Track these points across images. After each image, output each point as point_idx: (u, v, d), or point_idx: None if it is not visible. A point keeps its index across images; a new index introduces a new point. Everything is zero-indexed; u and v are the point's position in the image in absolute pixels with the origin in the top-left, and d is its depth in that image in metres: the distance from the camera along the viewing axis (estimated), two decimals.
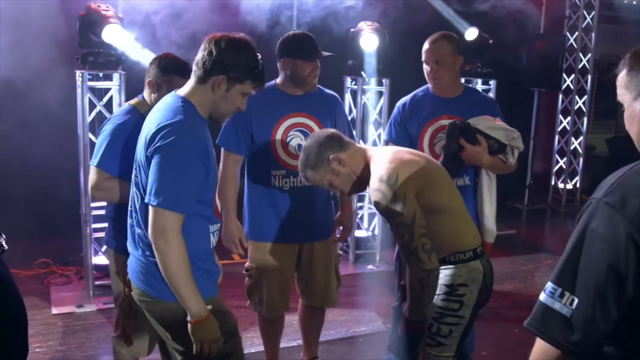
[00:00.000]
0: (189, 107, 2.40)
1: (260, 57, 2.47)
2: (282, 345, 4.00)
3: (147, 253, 2.43)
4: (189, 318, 2.39)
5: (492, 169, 3.42)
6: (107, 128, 3.16)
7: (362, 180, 2.85)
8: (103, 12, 4.91)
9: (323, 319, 3.98)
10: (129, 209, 2.56)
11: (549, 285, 1.50)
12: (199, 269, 2.45)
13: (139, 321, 3.23)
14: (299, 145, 3.46)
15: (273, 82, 3.55)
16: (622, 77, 1.64)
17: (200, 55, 2.43)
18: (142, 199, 2.40)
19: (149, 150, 2.34)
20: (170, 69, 3.17)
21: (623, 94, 1.64)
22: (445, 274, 2.72)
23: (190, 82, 2.47)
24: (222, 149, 3.49)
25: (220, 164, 3.45)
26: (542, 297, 1.51)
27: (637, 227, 1.39)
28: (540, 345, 1.51)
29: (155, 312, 2.51)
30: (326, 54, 3.50)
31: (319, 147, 2.84)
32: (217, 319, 2.44)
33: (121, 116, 3.19)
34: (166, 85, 3.15)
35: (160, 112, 2.42)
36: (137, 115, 3.16)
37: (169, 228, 2.30)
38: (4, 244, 2.18)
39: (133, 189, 2.51)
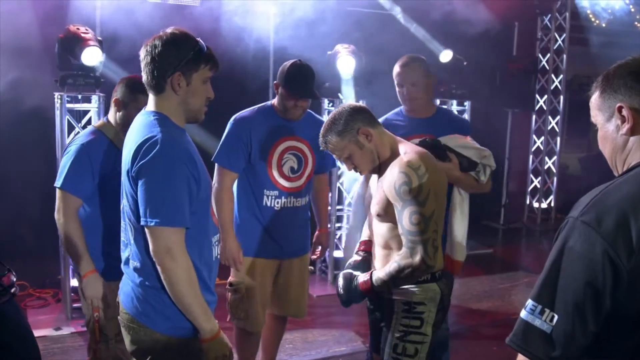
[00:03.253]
0: (162, 119, 2.31)
1: (199, 39, 2.36)
2: None
3: (147, 283, 2.35)
4: (201, 336, 2.33)
5: (464, 186, 3.47)
6: (71, 149, 3.13)
7: (381, 163, 2.78)
8: (82, 35, 4.92)
9: (284, 328, 4.07)
10: (122, 240, 2.48)
11: (530, 302, 1.54)
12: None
13: (110, 346, 3.22)
14: (292, 168, 3.61)
15: (270, 103, 3.67)
16: (594, 99, 1.70)
17: (144, 68, 2.33)
18: (136, 229, 2.32)
19: (133, 170, 2.24)
20: (137, 88, 3.13)
21: (596, 115, 1.71)
22: (401, 291, 2.74)
23: (152, 97, 2.37)
24: (217, 166, 3.55)
25: (215, 180, 3.50)
26: (523, 314, 1.55)
27: (612, 245, 1.44)
28: None
29: (142, 340, 2.40)
30: (315, 96, 3.59)
31: (351, 115, 2.73)
32: (200, 358, 2.37)
33: (85, 137, 3.17)
34: (132, 103, 3.15)
35: (136, 131, 2.34)
36: (102, 137, 3.17)
37: (174, 245, 2.22)
38: (14, 281, 2.06)
39: (126, 223, 2.40)
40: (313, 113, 3.78)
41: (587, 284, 1.45)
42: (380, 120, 3.75)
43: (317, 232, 3.97)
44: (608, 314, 1.46)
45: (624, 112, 1.60)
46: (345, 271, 2.95)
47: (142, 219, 2.23)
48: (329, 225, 6.38)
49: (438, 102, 6.73)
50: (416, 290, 2.73)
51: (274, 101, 3.64)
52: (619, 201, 1.49)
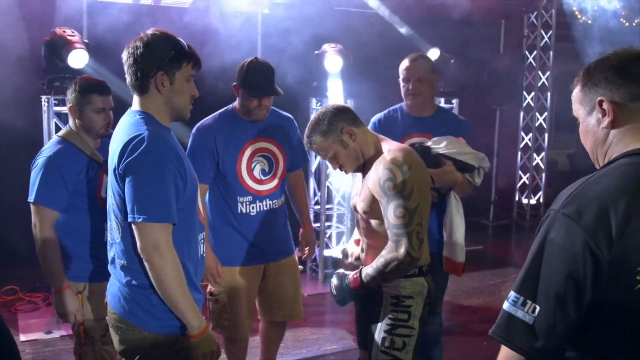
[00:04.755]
0: (148, 119, 2.33)
1: (180, 38, 2.39)
2: None
3: (134, 282, 2.36)
4: (189, 332, 2.35)
5: (460, 190, 3.47)
6: (39, 162, 3.10)
7: (366, 161, 2.81)
8: (68, 38, 4.93)
9: (284, 331, 4.00)
10: (109, 241, 2.48)
11: (512, 294, 1.56)
12: None
13: (96, 348, 3.22)
14: (263, 171, 3.53)
15: (231, 106, 3.56)
16: (576, 92, 1.72)
17: (127, 69, 2.35)
18: (123, 227, 2.33)
19: (120, 168, 2.25)
20: (88, 89, 3.15)
21: (578, 109, 1.73)
22: (390, 285, 2.77)
23: (136, 98, 2.39)
24: None
25: None
26: (506, 305, 1.57)
27: (593, 237, 1.46)
28: (504, 353, 1.57)
29: (130, 340, 2.42)
30: (277, 92, 3.45)
31: (335, 115, 2.77)
32: (186, 356, 2.40)
33: (51, 148, 3.14)
34: (87, 106, 3.13)
35: (122, 130, 2.35)
36: (68, 145, 3.15)
37: (161, 241, 2.24)
38: None
39: (112, 222, 2.41)
40: (277, 109, 3.67)
41: (568, 276, 1.47)
42: (382, 113, 3.79)
43: (301, 230, 3.89)
44: (589, 305, 1.48)
45: (605, 105, 1.63)
46: (338, 270, 2.97)
47: (129, 215, 2.24)
48: (318, 224, 6.47)
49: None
50: (405, 283, 2.76)
51: (235, 104, 3.54)
52: (599, 194, 1.51)
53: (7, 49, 5.28)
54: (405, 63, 3.64)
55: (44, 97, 5.05)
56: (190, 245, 2.44)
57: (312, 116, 2.88)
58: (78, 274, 3.17)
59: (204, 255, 2.60)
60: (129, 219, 2.24)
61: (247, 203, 3.51)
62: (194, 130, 3.50)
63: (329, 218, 6.84)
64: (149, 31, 2.36)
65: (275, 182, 3.59)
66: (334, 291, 2.91)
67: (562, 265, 1.48)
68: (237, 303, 3.57)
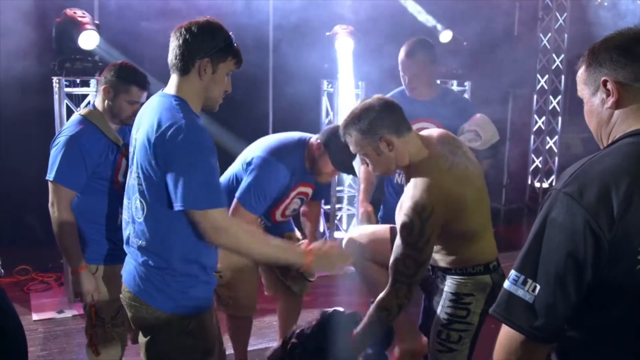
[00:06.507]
0: (183, 105, 2.34)
1: (231, 33, 2.44)
2: (260, 346, 4.03)
3: (151, 263, 2.39)
4: (299, 265, 2.54)
5: None
6: (60, 140, 3.08)
7: (398, 169, 2.72)
8: (79, 19, 4.93)
9: (301, 305, 3.99)
10: (125, 220, 2.50)
11: (513, 273, 1.56)
12: (205, 282, 2.48)
13: (106, 329, 3.23)
14: (293, 210, 3.58)
15: (302, 146, 3.46)
16: (581, 73, 1.71)
17: (174, 48, 2.37)
18: (148, 208, 2.35)
19: (157, 156, 2.27)
20: (130, 79, 3.13)
21: (583, 90, 1.72)
22: (451, 282, 2.70)
23: (174, 78, 2.40)
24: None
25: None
26: (506, 284, 1.57)
27: (594, 216, 1.45)
28: (505, 331, 1.57)
29: (144, 318, 2.45)
30: (355, 174, 3.60)
31: (379, 119, 2.57)
32: (199, 337, 2.45)
33: (73, 127, 3.11)
34: (123, 94, 3.11)
35: (156, 114, 2.33)
36: (90, 126, 3.12)
37: (223, 222, 2.30)
38: None
39: (137, 199, 2.40)
40: None
41: (568, 255, 1.47)
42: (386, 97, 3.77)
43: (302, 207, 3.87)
44: (589, 284, 1.48)
45: (609, 85, 1.61)
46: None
47: (178, 204, 2.25)
48: (328, 206, 6.47)
49: (438, 82, 6.71)
50: (468, 281, 2.68)
51: (309, 144, 3.41)
52: (601, 173, 1.50)
53: (18, 30, 5.30)
54: (401, 55, 3.63)
55: (55, 79, 5.06)
56: None
57: (357, 104, 2.69)
58: (91, 257, 3.18)
59: None
60: (178, 208, 2.25)
61: (262, 224, 3.52)
62: (261, 158, 3.31)
63: (339, 200, 6.85)
64: (203, 18, 2.41)
65: (292, 215, 3.67)
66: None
67: (562, 244, 1.48)
68: (240, 280, 3.56)
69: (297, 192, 3.50)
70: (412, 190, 2.53)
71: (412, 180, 2.56)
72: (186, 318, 2.42)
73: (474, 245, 2.67)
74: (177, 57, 2.36)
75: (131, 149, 2.47)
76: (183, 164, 2.24)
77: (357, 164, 2.97)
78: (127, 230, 2.48)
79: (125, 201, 2.50)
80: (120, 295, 2.56)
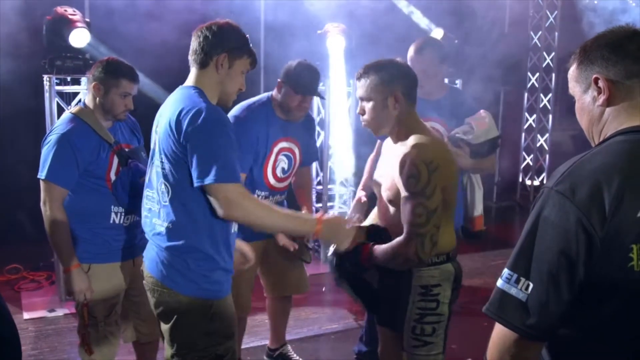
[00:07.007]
0: (202, 93, 2.51)
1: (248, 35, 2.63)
2: (253, 344, 4.03)
3: (176, 244, 2.50)
4: (313, 233, 2.61)
5: (474, 171, 3.58)
6: (52, 139, 3.07)
7: (391, 130, 2.75)
8: (70, 17, 4.91)
9: (291, 305, 4.07)
10: (147, 209, 2.62)
11: (505, 271, 1.57)
12: (224, 269, 2.59)
13: (99, 328, 3.22)
14: (283, 169, 3.62)
15: (266, 98, 3.60)
16: (572, 70, 1.72)
17: (195, 44, 2.55)
18: (173, 191, 2.47)
19: (179, 136, 2.40)
20: (119, 72, 3.13)
21: (574, 87, 1.72)
22: (419, 275, 2.74)
23: (193, 71, 2.58)
24: None
25: None
26: (499, 283, 1.58)
27: (586, 214, 1.45)
28: (498, 329, 1.57)
29: (167, 302, 2.56)
30: (321, 95, 3.62)
31: (401, 76, 2.70)
32: (220, 321, 2.56)
33: (64, 125, 3.11)
34: (114, 88, 3.11)
35: (177, 102, 2.50)
36: (81, 124, 3.11)
37: (236, 196, 2.40)
38: None
39: (161, 184, 2.52)
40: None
41: (561, 253, 1.47)
42: None
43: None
44: (582, 282, 1.48)
45: (600, 83, 1.62)
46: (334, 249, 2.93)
47: (196, 180, 2.39)
48: (320, 205, 6.47)
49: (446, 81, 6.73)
50: (434, 272, 2.74)
51: (275, 98, 3.57)
52: (593, 171, 1.50)
53: (8, 28, 5.27)
54: (410, 52, 3.64)
55: (45, 77, 5.04)
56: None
57: (387, 58, 2.77)
58: (81, 255, 3.16)
59: (236, 231, 2.72)
60: (197, 184, 2.39)
61: (263, 197, 3.57)
62: (232, 118, 3.45)
63: (331, 198, 6.85)
64: (223, 20, 2.63)
65: (288, 180, 3.71)
66: (332, 271, 2.88)
67: (554, 242, 1.48)
68: (238, 279, 3.57)
69: (279, 147, 3.57)
70: (415, 146, 2.59)
71: (413, 136, 2.65)
72: (207, 301, 2.54)
73: (443, 230, 2.68)
74: (197, 52, 2.55)
75: (152, 145, 2.61)
76: (202, 142, 2.39)
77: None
78: (151, 220, 2.60)
79: (146, 192, 2.63)
80: (144, 281, 2.66)
